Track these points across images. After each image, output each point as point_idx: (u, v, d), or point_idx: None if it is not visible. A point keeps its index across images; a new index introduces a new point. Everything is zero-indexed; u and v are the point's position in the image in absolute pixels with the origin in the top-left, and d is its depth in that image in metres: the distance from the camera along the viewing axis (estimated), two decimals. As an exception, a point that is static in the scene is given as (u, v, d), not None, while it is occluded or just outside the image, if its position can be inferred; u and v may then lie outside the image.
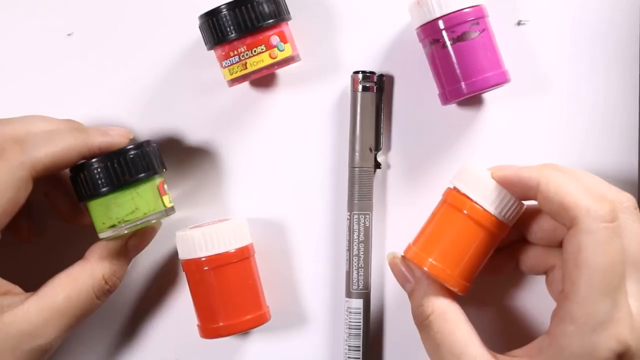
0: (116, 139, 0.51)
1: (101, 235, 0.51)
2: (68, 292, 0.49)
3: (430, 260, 0.49)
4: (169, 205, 0.52)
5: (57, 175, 0.54)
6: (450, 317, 0.48)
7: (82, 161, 0.50)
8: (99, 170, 0.49)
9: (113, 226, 0.50)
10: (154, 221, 0.51)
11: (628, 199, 0.47)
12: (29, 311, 0.48)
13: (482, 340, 0.48)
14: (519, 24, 0.54)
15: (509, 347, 0.49)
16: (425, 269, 0.49)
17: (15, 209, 0.48)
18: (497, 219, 0.49)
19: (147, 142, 0.51)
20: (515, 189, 0.48)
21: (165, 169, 0.53)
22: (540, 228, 0.51)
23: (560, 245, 0.49)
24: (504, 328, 0.56)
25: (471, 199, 0.49)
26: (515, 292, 0.56)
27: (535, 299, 0.56)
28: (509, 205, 0.49)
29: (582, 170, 0.49)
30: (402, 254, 0.51)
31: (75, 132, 0.50)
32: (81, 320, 0.50)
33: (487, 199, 0.49)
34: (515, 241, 0.53)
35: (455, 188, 0.50)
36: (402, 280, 0.51)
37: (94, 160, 0.50)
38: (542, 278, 0.52)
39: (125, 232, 0.50)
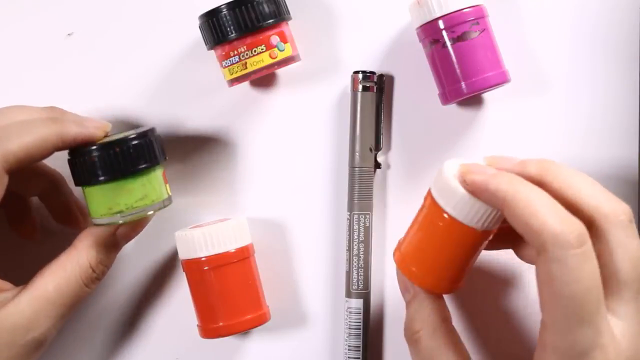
0: (91, 130, 0.49)
1: (98, 221, 0.50)
2: (57, 281, 0.48)
3: (413, 269, 0.48)
4: (169, 193, 0.52)
5: (52, 177, 0.54)
6: (440, 336, 0.47)
7: (94, 144, 0.49)
8: (115, 153, 0.48)
9: (120, 212, 0.49)
10: (157, 210, 0.50)
11: (624, 211, 0.44)
12: (21, 304, 0.47)
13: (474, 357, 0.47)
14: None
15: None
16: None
17: None
18: (475, 230, 0.46)
19: (153, 129, 0.51)
20: (483, 198, 0.45)
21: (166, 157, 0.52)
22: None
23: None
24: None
25: (448, 213, 0.46)
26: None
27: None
28: (487, 215, 0.45)
29: (580, 173, 0.45)
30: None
31: (49, 123, 0.48)
32: (73, 309, 0.49)
33: (461, 211, 0.45)
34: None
35: (432, 196, 0.47)
36: (403, 288, 0.51)
37: (109, 142, 0.48)
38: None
39: (127, 219, 0.49)
